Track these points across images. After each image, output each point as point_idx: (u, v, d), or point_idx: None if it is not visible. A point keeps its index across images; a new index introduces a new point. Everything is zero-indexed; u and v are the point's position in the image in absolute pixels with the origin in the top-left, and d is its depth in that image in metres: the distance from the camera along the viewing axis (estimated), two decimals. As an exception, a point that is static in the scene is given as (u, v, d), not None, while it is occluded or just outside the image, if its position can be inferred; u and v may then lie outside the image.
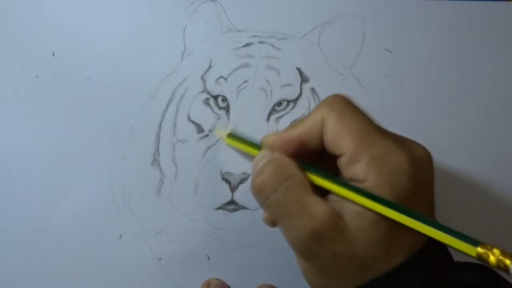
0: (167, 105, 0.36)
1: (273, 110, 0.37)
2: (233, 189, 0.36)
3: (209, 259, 0.36)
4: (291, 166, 0.27)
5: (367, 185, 0.25)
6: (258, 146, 0.31)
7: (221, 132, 0.36)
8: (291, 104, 0.37)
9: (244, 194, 0.36)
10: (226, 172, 0.36)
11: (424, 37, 0.38)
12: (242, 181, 0.36)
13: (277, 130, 0.36)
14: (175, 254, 0.36)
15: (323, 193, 0.27)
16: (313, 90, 0.37)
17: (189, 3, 0.36)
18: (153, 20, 0.36)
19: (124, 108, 0.36)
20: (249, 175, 0.36)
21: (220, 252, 0.36)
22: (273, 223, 0.29)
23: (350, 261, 0.25)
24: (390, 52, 0.38)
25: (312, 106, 0.37)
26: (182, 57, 0.36)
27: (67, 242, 0.36)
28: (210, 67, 0.37)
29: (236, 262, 0.37)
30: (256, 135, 0.36)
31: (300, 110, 0.37)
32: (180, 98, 0.36)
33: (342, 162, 0.26)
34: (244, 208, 0.36)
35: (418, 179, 0.25)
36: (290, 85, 0.37)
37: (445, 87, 0.38)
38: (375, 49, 0.38)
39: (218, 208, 0.36)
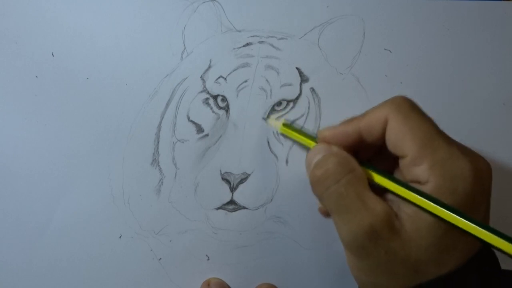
0: (167, 105, 0.36)
1: (272, 110, 0.37)
2: (233, 189, 0.36)
3: (208, 259, 0.37)
4: (353, 161, 0.28)
5: (428, 188, 0.25)
6: (313, 138, 0.32)
7: (275, 122, 0.36)
8: (291, 104, 0.37)
9: (244, 194, 0.36)
10: (226, 172, 0.36)
11: (423, 37, 0.38)
12: (242, 181, 0.36)
13: (276, 131, 0.36)
14: (175, 254, 0.36)
15: (378, 192, 0.27)
16: (312, 90, 0.37)
17: (188, 3, 0.36)
18: (152, 20, 0.36)
19: (123, 108, 0.36)
20: (249, 175, 0.36)
21: (220, 252, 0.36)
22: (327, 214, 0.29)
23: (403, 262, 0.25)
24: (390, 52, 0.38)
25: (312, 105, 0.37)
26: (182, 57, 0.36)
27: (67, 242, 0.36)
28: (209, 67, 0.37)
29: (236, 262, 0.37)
30: (256, 135, 0.36)
31: (299, 110, 0.37)
32: (180, 98, 0.36)
33: (403, 163, 0.27)
34: (244, 208, 0.36)
35: (478, 188, 0.25)
36: (289, 85, 0.37)
37: (444, 87, 0.38)
38: (375, 49, 0.38)
39: (218, 208, 0.36)
